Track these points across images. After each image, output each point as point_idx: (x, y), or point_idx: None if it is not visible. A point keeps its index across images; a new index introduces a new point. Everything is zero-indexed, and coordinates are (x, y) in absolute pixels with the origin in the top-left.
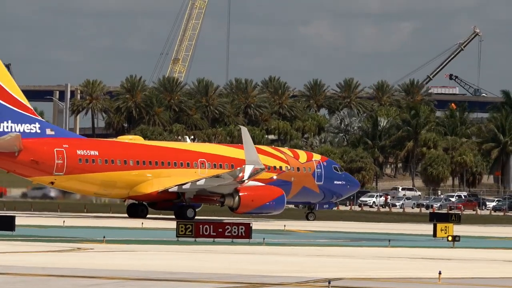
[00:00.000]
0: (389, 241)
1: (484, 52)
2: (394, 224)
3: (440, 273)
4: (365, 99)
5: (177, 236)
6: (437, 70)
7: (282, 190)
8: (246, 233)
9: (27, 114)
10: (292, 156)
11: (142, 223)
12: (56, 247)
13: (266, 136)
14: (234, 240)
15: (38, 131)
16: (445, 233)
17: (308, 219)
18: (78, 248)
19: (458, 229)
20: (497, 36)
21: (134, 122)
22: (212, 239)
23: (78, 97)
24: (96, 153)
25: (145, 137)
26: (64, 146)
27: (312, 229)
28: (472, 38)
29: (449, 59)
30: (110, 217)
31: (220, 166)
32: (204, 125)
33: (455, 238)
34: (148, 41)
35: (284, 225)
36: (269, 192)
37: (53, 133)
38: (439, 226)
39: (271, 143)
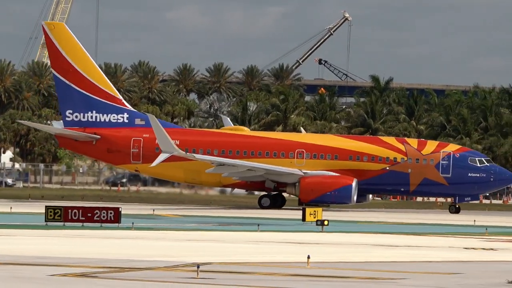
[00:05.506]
0: (258, 225)
1: (353, 37)
2: (263, 209)
3: (308, 257)
4: (234, 83)
5: (45, 221)
6: (307, 55)
7: (353, 179)
8: (115, 218)
9: (115, 104)
10: (415, 147)
11: (11, 208)
12: None
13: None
14: (103, 224)
15: (126, 121)
16: (314, 217)
17: (450, 212)
18: None
19: (327, 214)
20: (366, 21)
21: (3, 107)
22: (81, 224)
23: None
24: (177, 142)
25: (14, 122)
26: (144, 135)
27: (181, 213)
28: (342, 23)
29: (318, 44)
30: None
31: (322, 157)
32: None
33: (324, 223)
34: (17, 25)
35: (153, 210)
36: (332, 182)
37: (143, 123)
38: (308, 210)
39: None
